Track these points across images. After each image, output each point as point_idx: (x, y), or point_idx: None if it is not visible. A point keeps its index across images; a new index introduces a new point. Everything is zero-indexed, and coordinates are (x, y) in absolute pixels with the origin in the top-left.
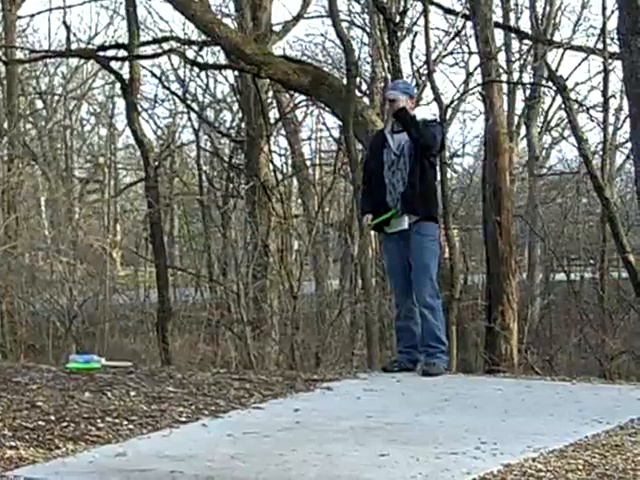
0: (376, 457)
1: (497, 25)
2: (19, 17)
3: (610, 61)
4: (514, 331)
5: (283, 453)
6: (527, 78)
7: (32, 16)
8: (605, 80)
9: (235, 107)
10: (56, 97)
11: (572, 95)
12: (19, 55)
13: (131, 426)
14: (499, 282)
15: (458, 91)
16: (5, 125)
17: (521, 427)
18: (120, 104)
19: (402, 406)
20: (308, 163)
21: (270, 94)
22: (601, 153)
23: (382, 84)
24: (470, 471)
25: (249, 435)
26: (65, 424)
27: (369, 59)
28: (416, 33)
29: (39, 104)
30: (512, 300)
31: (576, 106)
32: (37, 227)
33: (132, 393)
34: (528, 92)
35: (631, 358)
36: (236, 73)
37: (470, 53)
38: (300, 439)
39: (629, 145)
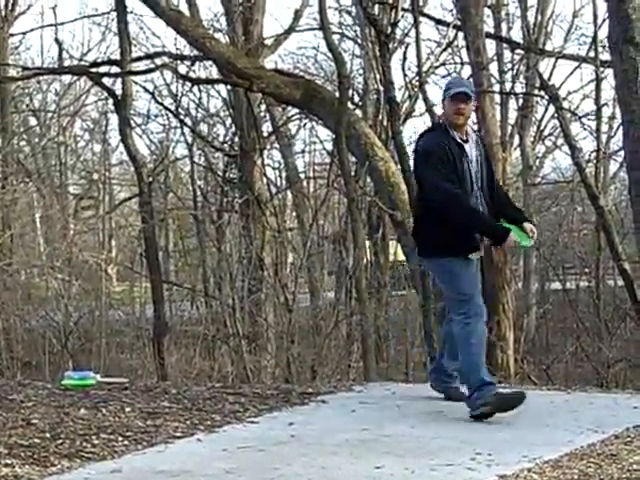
0: (372, 469)
1: (488, 35)
2: (11, 35)
3: (602, 69)
4: (510, 341)
5: (278, 467)
6: (519, 88)
7: (24, 34)
8: (597, 88)
9: (228, 121)
10: (49, 114)
11: (565, 104)
12: (12, 73)
13: (126, 442)
14: (494, 292)
15: None
16: None
17: (516, 437)
18: (113, 120)
19: (397, 418)
20: (302, 176)
21: (263, 108)
22: (595, 161)
23: (374, 96)
24: None
25: (244, 449)
26: (60, 441)
27: (361, 71)
28: (408, 45)
29: (32, 121)
30: (508, 310)
31: (569, 115)
32: (32, 244)
33: (127, 409)
34: (521, 102)
35: (628, 366)
36: (229, 87)
37: (462, 64)
38: (295, 453)
39: (622, 153)
